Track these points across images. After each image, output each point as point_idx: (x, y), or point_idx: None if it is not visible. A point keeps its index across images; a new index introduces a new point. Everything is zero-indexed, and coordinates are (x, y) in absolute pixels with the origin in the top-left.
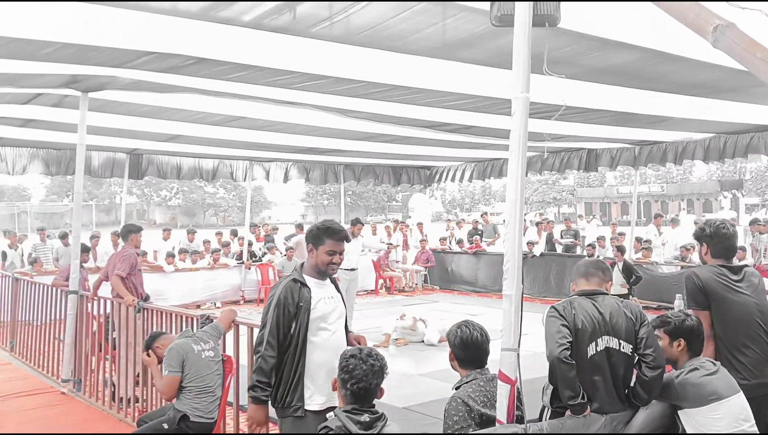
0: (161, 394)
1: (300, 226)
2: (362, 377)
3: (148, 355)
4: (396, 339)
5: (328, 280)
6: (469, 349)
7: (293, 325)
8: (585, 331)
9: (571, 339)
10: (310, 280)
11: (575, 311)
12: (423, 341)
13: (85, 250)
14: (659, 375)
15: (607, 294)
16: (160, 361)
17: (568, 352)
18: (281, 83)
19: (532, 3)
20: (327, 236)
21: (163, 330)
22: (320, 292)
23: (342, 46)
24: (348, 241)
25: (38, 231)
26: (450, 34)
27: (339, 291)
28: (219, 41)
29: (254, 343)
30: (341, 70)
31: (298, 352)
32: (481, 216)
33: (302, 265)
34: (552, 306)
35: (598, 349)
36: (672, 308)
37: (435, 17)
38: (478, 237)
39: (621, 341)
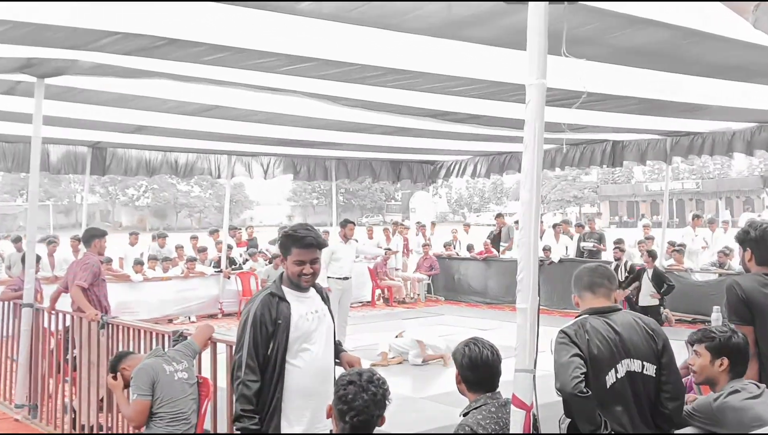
0: (129, 422)
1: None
2: (363, 409)
3: (114, 378)
4: (392, 357)
5: (313, 290)
6: (478, 370)
7: (270, 346)
8: (602, 357)
9: (584, 370)
10: (289, 294)
11: (588, 336)
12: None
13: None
14: (680, 405)
15: (620, 309)
16: (126, 385)
17: (583, 385)
18: (264, 67)
19: None
20: (292, 244)
21: (131, 349)
22: (301, 308)
23: (332, 24)
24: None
25: (14, 241)
26: (456, 10)
27: (327, 302)
28: (193, 19)
29: (232, 367)
30: (332, 51)
31: (276, 376)
32: (496, 218)
33: (281, 276)
34: (562, 330)
35: (619, 376)
36: (708, 321)
37: None
38: (488, 241)
39: (644, 362)
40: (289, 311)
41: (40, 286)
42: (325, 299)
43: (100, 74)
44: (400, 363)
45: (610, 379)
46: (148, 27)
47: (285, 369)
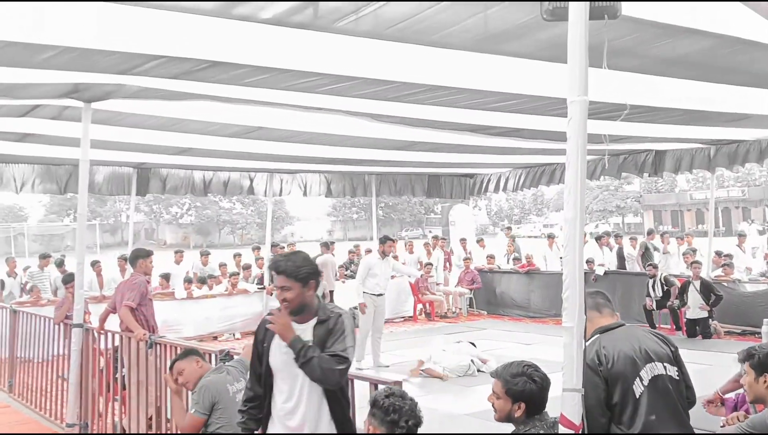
0: (179, 430)
1: (326, 245)
2: (411, 413)
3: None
4: (424, 369)
5: (314, 322)
6: (529, 403)
7: (263, 364)
8: (625, 369)
9: (607, 414)
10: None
11: (606, 352)
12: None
13: (69, 279)
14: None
15: (624, 324)
16: (178, 389)
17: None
18: (304, 87)
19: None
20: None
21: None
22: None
23: (371, 41)
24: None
25: (40, 258)
26: (494, 24)
27: (326, 339)
28: (235, 41)
29: None
30: (371, 69)
31: (267, 391)
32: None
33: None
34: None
35: (645, 384)
36: (759, 334)
37: (476, 6)
38: (530, 254)
39: (665, 365)
40: (272, 338)
41: (87, 306)
42: (324, 336)
43: (146, 97)
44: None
45: (638, 388)
46: (191, 50)
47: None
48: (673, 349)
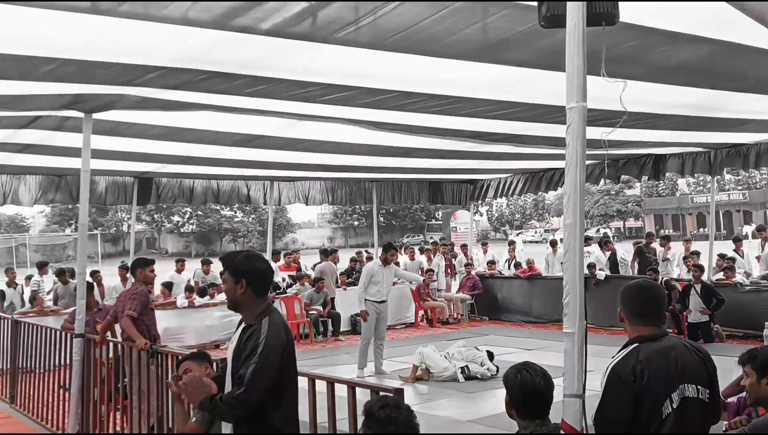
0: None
1: (325, 252)
2: (407, 423)
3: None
4: (420, 371)
5: (239, 331)
6: (529, 398)
7: None
8: (659, 388)
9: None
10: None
11: (642, 367)
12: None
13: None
14: None
15: (667, 334)
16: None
17: None
18: (304, 96)
19: (585, 2)
20: None
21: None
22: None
23: (371, 52)
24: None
25: (39, 267)
26: (492, 33)
27: (243, 342)
28: (235, 52)
29: None
30: (371, 79)
31: None
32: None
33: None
34: (615, 369)
35: (674, 405)
36: (761, 337)
37: (475, 15)
38: (531, 259)
39: (698, 387)
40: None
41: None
42: (244, 343)
43: (146, 108)
44: (426, 379)
45: (666, 408)
46: (191, 61)
47: None
48: (711, 369)
